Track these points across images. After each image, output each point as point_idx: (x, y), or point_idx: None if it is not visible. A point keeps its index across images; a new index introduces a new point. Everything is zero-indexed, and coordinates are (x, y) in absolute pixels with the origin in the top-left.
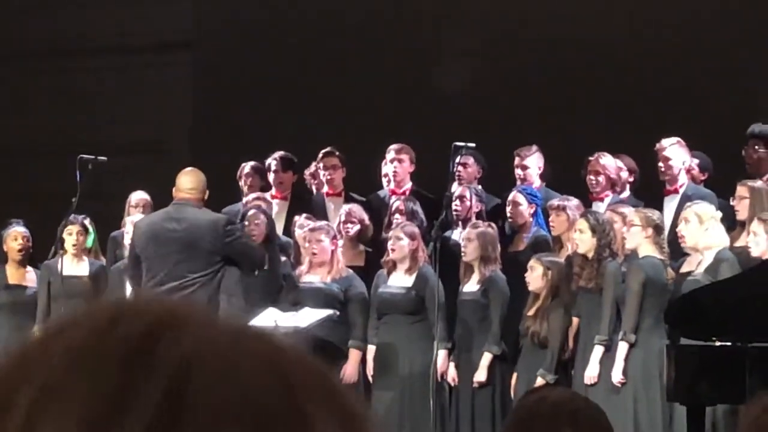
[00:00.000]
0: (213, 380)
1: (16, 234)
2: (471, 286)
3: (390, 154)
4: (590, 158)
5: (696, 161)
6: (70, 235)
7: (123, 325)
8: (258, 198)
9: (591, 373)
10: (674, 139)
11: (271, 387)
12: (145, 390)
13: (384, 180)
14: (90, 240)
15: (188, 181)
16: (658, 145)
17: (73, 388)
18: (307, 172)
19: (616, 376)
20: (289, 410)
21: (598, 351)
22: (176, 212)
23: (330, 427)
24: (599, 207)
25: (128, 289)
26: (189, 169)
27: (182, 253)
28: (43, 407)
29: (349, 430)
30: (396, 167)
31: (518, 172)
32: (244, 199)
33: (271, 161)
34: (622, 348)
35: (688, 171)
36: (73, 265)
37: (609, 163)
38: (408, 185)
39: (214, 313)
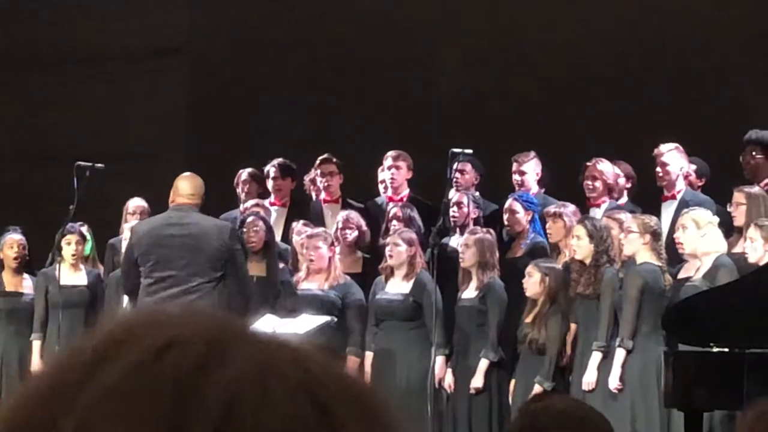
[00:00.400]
0: (258, 420)
1: (12, 241)
2: (469, 292)
3: (387, 161)
4: (588, 164)
5: (693, 167)
6: (68, 245)
7: (168, 361)
8: (256, 204)
9: (589, 379)
10: (672, 145)
11: (315, 420)
12: None
13: (381, 187)
14: (88, 247)
15: (188, 186)
16: (656, 151)
17: (114, 430)
18: (306, 179)
19: (613, 382)
20: None
21: (596, 357)
22: (178, 217)
23: None
24: (596, 213)
25: (125, 297)
26: (187, 174)
27: (186, 258)
28: None
29: None
30: (393, 174)
31: (516, 178)
32: (242, 206)
33: (270, 168)
34: (620, 354)
35: (686, 177)
36: (71, 274)
37: (606, 169)
38: (405, 192)
39: (256, 338)
